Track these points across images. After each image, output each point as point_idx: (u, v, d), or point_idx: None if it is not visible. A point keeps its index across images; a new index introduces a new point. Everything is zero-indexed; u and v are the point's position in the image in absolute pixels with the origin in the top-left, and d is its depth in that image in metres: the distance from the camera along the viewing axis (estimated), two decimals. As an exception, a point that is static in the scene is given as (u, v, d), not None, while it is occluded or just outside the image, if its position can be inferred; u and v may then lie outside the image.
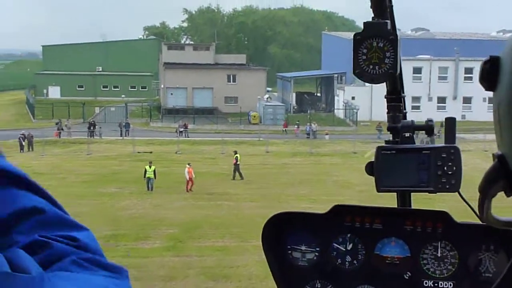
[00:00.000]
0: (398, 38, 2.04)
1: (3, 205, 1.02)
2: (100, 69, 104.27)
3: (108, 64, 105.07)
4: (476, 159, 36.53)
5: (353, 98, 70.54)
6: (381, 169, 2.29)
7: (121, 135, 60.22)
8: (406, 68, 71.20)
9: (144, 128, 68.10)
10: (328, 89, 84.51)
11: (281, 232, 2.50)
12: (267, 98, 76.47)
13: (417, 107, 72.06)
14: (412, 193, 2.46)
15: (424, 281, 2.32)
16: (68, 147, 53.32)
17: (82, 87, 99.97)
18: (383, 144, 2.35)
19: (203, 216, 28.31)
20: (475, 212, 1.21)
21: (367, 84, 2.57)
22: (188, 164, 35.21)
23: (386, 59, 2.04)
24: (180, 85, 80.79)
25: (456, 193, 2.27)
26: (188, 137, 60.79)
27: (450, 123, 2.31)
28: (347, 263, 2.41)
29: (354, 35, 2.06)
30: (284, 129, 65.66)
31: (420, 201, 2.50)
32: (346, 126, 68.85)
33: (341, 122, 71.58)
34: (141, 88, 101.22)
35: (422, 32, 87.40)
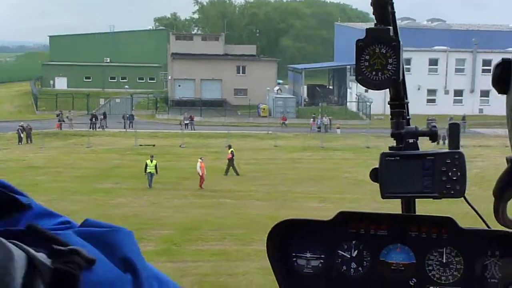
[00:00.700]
0: (401, 44, 2.02)
1: None
2: (108, 60, 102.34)
3: (116, 55, 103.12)
4: (498, 156, 34.12)
5: (366, 90, 67.76)
6: (385, 175, 2.23)
7: (124, 128, 58.03)
8: (422, 59, 68.86)
9: (150, 120, 66.04)
10: (340, 82, 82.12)
11: (286, 240, 2.44)
12: (277, 90, 74.12)
13: (433, 101, 69.59)
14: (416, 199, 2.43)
15: None
16: (68, 139, 51.39)
17: (90, 78, 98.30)
18: (387, 151, 2.29)
19: (203, 216, 26.11)
20: (480, 217, 1.29)
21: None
22: (200, 158, 33.10)
23: (388, 65, 2.02)
24: (188, 77, 78.66)
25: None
26: (194, 130, 58.70)
27: (454, 128, 2.24)
28: (352, 270, 2.37)
29: (357, 42, 2.03)
30: (282, 122, 63.11)
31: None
32: (359, 119, 66.44)
33: (353, 115, 69.19)
34: (149, 80, 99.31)
35: (438, 22, 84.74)
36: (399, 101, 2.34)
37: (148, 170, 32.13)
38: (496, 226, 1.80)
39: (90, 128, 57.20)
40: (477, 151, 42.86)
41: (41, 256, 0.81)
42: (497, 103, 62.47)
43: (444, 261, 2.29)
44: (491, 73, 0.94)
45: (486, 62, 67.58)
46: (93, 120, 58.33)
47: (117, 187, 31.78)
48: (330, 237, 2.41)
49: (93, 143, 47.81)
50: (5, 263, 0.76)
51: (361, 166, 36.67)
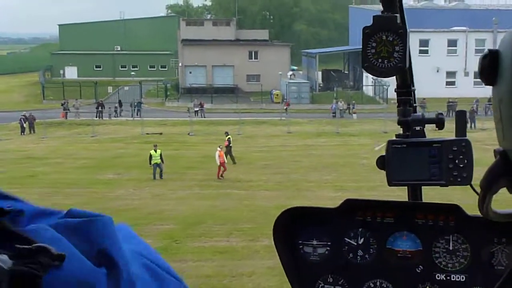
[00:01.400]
0: (408, 31, 2.03)
1: None
2: (119, 48, 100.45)
3: (126, 43, 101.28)
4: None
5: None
6: (392, 163, 2.25)
7: (132, 116, 55.96)
8: (441, 41, 66.26)
9: (159, 108, 63.99)
10: (356, 66, 79.46)
11: (293, 227, 2.46)
12: (290, 75, 71.72)
13: (452, 83, 66.97)
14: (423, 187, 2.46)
15: (436, 275, 2.30)
16: (73, 128, 49.55)
17: (100, 67, 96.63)
18: (394, 138, 2.32)
19: (208, 208, 24.06)
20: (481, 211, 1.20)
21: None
22: (220, 146, 31.07)
23: (395, 53, 2.02)
24: (199, 63, 76.46)
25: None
26: (204, 117, 56.65)
27: (461, 116, 2.24)
28: (358, 257, 2.39)
29: (363, 29, 2.04)
30: (285, 107, 60.71)
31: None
32: (376, 104, 63.85)
33: (370, 100, 66.55)
34: (161, 68, 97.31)
35: (456, 2, 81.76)
36: (405, 89, 2.34)
37: (153, 161, 29.98)
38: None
39: (97, 117, 55.34)
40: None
41: (2, 257, 0.76)
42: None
43: (450, 248, 2.28)
44: (478, 64, 0.94)
45: (508, 42, 64.62)
46: (99, 108, 56.31)
47: (118, 178, 29.81)
48: (337, 225, 2.41)
49: (98, 132, 45.91)
50: None
51: (380, 151, 34.34)
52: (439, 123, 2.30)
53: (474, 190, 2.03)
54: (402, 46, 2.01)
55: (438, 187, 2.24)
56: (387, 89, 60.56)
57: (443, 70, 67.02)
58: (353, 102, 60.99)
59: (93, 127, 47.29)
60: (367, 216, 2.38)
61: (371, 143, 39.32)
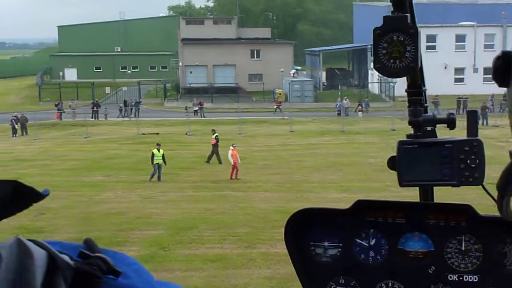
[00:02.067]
0: (419, 31, 2.00)
1: None
2: (119, 50, 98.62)
3: (127, 44, 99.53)
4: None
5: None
6: (403, 163, 2.23)
7: (128, 116, 53.91)
8: (448, 36, 64.16)
9: (158, 109, 62.03)
10: (361, 64, 77.40)
11: (304, 228, 2.46)
12: (293, 74, 69.60)
13: (461, 80, 64.73)
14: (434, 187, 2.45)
15: (449, 275, 2.30)
16: (67, 129, 47.66)
17: (100, 69, 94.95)
18: (405, 138, 2.29)
19: (202, 212, 22.05)
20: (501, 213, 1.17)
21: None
22: (233, 145, 28.99)
23: (406, 53, 2.00)
24: (200, 63, 74.51)
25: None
26: (204, 117, 54.62)
27: (472, 115, 2.24)
28: (370, 258, 2.39)
29: (374, 30, 2.03)
30: (276, 106, 58.69)
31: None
32: (382, 102, 61.72)
33: (376, 97, 64.42)
34: (162, 68, 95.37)
35: (464, -4, 79.50)
36: (416, 89, 2.33)
37: (155, 161, 27.89)
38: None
39: (92, 117, 53.45)
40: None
41: (64, 256, 0.87)
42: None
43: (463, 248, 2.28)
44: (492, 66, 0.93)
45: (518, 37, 62.69)
46: (95, 108, 54.34)
47: (107, 180, 27.81)
48: (348, 226, 2.41)
49: (93, 133, 43.95)
50: (24, 261, 0.82)
51: (387, 150, 32.07)
52: (451, 123, 2.24)
53: (486, 191, 2.14)
54: (414, 46, 1.98)
55: (451, 187, 2.18)
56: (393, 86, 58.44)
57: (451, 66, 64.84)
58: (366, 98, 59.15)
59: (88, 128, 45.28)
60: (378, 217, 2.37)
61: (379, 141, 37.23)
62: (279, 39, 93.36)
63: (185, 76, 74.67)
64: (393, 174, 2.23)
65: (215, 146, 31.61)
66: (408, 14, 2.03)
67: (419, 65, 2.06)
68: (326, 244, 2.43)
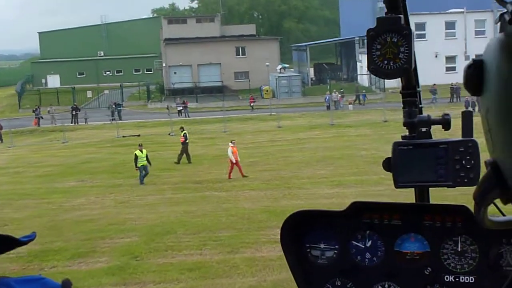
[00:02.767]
0: (413, 33, 2.01)
1: None
2: (102, 54, 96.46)
3: (110, 48, 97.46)
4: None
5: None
6: (398, 164, 2.22)
7: (110, 119, 51.73)
8: (438, 23, 62.44)
9: (141, 111, 59.96)
10: (349, 57, 75.60)
11: (300, 231, 2.45)
12: (280, 69, 67.61)
13: (453, 68, 62.82)
14: (430, 188, 2.42)
15: (445, 276, 2.29)
16: (45, 135, 45.64)
17: (83, 74, 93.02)
18: (400, 140, 2.28)
19: (180, 215, 20.12)
20: (495, 205, 1.20)
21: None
22: (232, 142, 26.84)
23: (400, 54, 1.99)
24: (184, 63, 72.48)
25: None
26: (188, 116, 52.60)
27: (467, 116, 2.19)
28: (366, 260, 2.38)
29: (368, 31, 2.02)
30: (251, 104, 56.88)
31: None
32: (372, 93, 59.94)
33: (365, 90, 62.65)
34: (146, 71, 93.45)
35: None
36: (411, 90, 2.33)
37: (139, 163, 25.86)
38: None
39: (72, 122, 51.35)
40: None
41: None
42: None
43: (459, 249, 2.29)
44: (463, 74, 0.94)
45: (510, 21, 60.73)
46: (74, 112, 52.25)
47: (80, 185, 25.86)
48: (344, 228, 2.41)
49: (71, 138, 41.89)
50: None
51: (380, 141, 30.45)
52: (446, 124, 2.25)
53: None
54: (407, 47, 1.97)
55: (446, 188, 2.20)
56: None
57: (442, 55, 63.08)
58: (363, 91, 57.50)
59: (66, 133, 43.18)
60: (374, 218, 2.37)
61: (371, 133, 35.36)
62: (265, 35, 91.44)
63: (169, 77, 72.62)
64: None
65: (184, 144, 29.63)
66: (402, 15, 2.02)
67: (413, 66, 2.04)
68: (322, 246, 2.41)
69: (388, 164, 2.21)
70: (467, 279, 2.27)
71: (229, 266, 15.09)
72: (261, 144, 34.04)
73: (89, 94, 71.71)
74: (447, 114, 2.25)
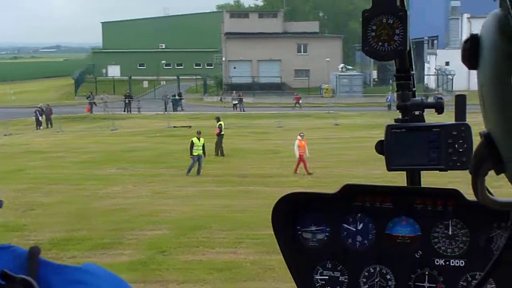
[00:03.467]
0: (408, 14, 1.97)
1: None
2: (163, 46, 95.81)
3: (171, 41, 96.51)
4: None
5: (447, 63, 58.15)
6: (391, 147, 2.22)
7: (166, 110, 50.57)
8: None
9: (197, 104, 58.61)
10: (416, 58, 72.69)
11: (291, 213, 2.43)
12: (341, 68, 65.39)
13: None
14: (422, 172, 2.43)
15: (435, 260, 2.29)
16: (95, 122, 44.67)
17: (144, 66, 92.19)
18: (393, 123, 2.28)
19: (219, 209, 18.39)
20: (487, 189, 1.16)
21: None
22: (300, 135, 25.11)
23: (395, 36, 1.97)
24: (244, 58, 70.83)
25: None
26: (243, 111, 50.97)
27: (461, 100, 2.22)
28: (357, 243, 2.38)
29: (363, 12, 1.99)
30: (295, 102, 54.26)
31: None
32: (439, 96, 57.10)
33: (432, 92, 59.87)
34: (207, 66, 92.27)
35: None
36: (405, 73, 2.31)
37: (194, 152, 24.31)
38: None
39: (124, 110, 50.36)
40: None
41: None
42: None
43: (450, 233, 2.29)
44: (461, 49, 0.95)
45: None
46: (127, 100, 51.24)
47: (119, 173, 24.45)
48: (336, 210, 2.40)
49: (121, 126, 40.75)
50: None
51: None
52: (439, 108, 2.24)
53: None
54: (402, 29, 1.95)
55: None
56: (452, 79, 53.71)
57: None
58: (436, 93, 54.76)
59: (117, 121, 42.11)
60: (366, 201, 2.36)
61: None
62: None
63: (228, 72, 71.18)
64: None
65: (219, 136, 27.87)
66: None
67: (408, 49, 2.01)
68: (313, 228, 2.39)
69: (380, 147, 2.19)
70: (457, 262, 2.25)
71: (264, 268, 13.29)
72: (315, 141, 32.02)
73: (145, 84, 70.80)
74: (440, 98, 2.24)
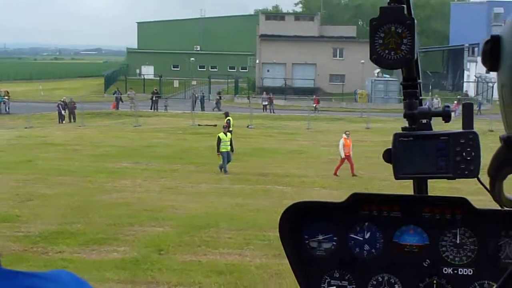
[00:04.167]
0: (415, 23, 1.94)
1: None
2: (198, 48, 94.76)
3: (206, 43, 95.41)
4: None
5: (487, 71, 55.78)
6: (398, 156, 2.17)
7: (192, 109, 49.28)
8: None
9: (227, 104, 57.24)
10: (456, 65, 70.31)
11: (298, 222, 2.33)
12: (377, 73, 63.39)
13: None
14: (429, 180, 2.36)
15: (444, 269, 2.23)
16: (119, 119, 43.59)
17: (178, 67, 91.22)
18: (400, 131, 2.24)
19: (230, 207, 16.90)
20: (484, 186, 1.23)
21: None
22: (346, 133, 23.64)
23: (403, 45, 1.94)
24: (278, 61, 69.21)
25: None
26: (273, 112, 49.43)
27: (468, 108, 2.17)
28: (365, 252, 2.30)
29: (370, 20, 1.96)
30: (315, 105, 51.81)
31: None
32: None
33: (472, 100, 57.62)
34: (241, 69, 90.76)
35: None
36: (412, 81, 2.25)
37: (222, 149, 22.63)
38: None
39: (151, 108, 49.19)
40: None
41: None
42: None
43: (458, 242, 2.23)
44: (481, 50, 0.93)
45: None
46: (154, 98, 50.06)
47: (132, 167, 23.14)
48: (343, 219, 2.34)
49: (146, 123, 39.44)
50: None
51: (485, 150, 26.14)
52: (446, 116, 2.21)
53: (481, 183, 2.03)
54: (410, 38, 1.91)
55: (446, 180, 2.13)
56: (492, 86, 51.48)
57: None
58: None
59: (142, 118, 40.86)
60: (373, 210, 2.28)
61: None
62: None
63: (262, 74, 69.66)
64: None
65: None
66: (405, 5, 1.96)
67: (415, 57, 1.97)
68: (320, 238, 2.32)
69: (388, 156, 2.15)
70: (465, 271, 2.20)
71: (270, 274, 11.72)
72: (345, 143, 30.49)
73: (175, 84, 69.70)
74: (448, 106, 2.22)
